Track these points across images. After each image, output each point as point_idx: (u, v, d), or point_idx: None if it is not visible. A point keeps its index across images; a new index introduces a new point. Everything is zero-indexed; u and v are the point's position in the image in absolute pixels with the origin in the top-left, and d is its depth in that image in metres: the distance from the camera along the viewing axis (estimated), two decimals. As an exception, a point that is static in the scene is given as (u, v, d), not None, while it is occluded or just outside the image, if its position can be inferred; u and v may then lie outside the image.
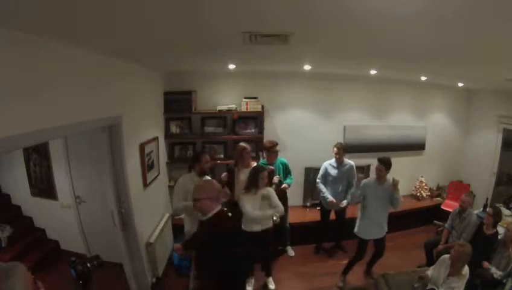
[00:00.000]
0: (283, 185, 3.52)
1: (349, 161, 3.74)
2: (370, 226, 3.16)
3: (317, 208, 4.22)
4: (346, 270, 3.39)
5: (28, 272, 1.21)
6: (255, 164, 3.60)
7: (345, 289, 3.33)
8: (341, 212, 3.86)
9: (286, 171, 3.68)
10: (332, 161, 3.74)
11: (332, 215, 3.91)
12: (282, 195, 3.50)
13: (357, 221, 3.28)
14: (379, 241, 3.26)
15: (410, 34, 1.55)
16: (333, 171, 3.71)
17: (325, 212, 3.90)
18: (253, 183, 2.92)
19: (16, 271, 1.15)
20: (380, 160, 3.09)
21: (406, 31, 1.51)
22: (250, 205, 2.90)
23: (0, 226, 3.32)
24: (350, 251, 3.98)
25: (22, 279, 1.15)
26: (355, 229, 3.27)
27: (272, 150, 3.49)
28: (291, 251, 4.03)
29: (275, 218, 3.07)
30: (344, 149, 3.66)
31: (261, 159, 3.73)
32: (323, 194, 3.70)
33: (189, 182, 2.81)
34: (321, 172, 3.80)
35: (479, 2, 1.06)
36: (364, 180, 3.26)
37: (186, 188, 2.77)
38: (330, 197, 3.62)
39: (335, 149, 3.62)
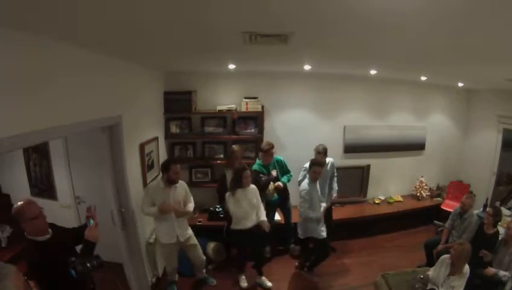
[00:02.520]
0: (276, 184, 3.53)
1: (329, 159, 3.75)
2: (320, 224, 3.24)
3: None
4: (310, 268, 3.56)
5: (20, 273, 1.21)
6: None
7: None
8: (327, 213, 3.67)
9: (283, 169, 3.70)
10: None
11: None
12: (282, 192, 3.59)
13: (308, 225, 3.23)
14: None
15: (411, 33, 1.56)
16: None
17: None
18: (237, 184, 3.03)
19: (6, 273, 1.15)
20: (316, 163, 3.16)
21: (406, 31, 1.51)
22: (234, 205, 3.03)
23: (0, 226, 3.32)
24: (339, 251, 4.03)
25: (13, 281, 1.15)
26: (308, 234, 3.27)
27: (268, 152, 3.51)
28: (295, 250, 4.01)
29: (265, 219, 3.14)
30: (324, 152, 3.59)
31: (257, 160, 3.72)
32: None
33: (156, 190, 2.82)
34: (302, 173, 3.57)
35: (479, 2, 1.06)
36: (304, 186, 3.18)
37: (153, 195, 2.81)
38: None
39: (315, 153, 3.62)
